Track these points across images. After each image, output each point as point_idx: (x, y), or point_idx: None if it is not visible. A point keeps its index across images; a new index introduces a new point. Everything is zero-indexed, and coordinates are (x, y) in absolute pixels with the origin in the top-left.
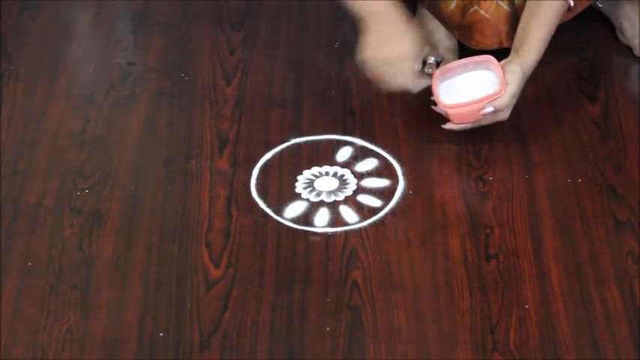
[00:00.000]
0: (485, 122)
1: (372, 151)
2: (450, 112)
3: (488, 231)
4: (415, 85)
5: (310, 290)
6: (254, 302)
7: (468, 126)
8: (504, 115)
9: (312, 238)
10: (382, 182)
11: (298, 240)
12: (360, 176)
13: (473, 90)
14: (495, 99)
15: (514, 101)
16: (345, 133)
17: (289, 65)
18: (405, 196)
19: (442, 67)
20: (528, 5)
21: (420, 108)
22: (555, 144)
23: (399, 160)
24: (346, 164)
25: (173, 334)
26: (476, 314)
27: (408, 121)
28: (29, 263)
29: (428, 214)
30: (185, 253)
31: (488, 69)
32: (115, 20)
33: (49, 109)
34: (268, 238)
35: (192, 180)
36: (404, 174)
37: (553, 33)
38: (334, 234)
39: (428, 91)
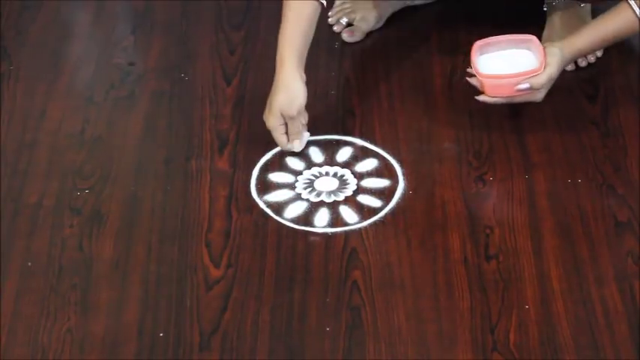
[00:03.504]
0: (518, 99)
1: (372, 151)
2: (486, 82)
3: (488, 231)
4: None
5: (310, 290)
6: (254, 302)
7: (500, 101)
8: (539, 95)
9: (312, 238)
10: (382, 182)
11: (298, 240)
12: (360, 176)
13: (511, 66)
14: (533, 76)
15: (550, 84)
16: (345, 133)
17: None
18: (405, 196)
19: (483, 40)
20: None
21: (420, 108)
22: (555, 144)
23: (399, 160)
24: (346, 164)
25: (173, 334)
26: (476, 314)
27: (408, 121)
28: (29, 263)
29: (428, 214)
30: (185, 253)
31: (529, 49)
32: (115, 20)
33: (49, 109)
34: (268, 238)
35: (192, 180)
36: (404, 174)
37: (610, 38)
38: (334, 234)
39: (428, 91)
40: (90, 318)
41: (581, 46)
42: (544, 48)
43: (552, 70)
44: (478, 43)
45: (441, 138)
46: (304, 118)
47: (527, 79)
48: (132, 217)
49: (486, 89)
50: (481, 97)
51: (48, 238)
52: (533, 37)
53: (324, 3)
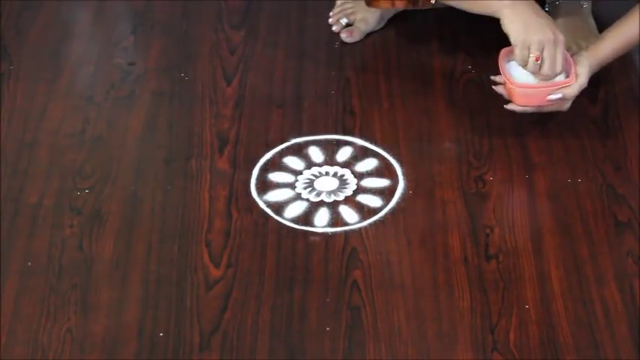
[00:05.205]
0: (546, 109)
1: (372, 151)
2: (519, 91)
3: (488, 231)
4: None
5: (310, 290)
6: (254, 302)
7: (529, 110)
8: (566, 105)
9: (312, 238)
10: (382, 182)
11: (298, 240)
12: (360, 176)
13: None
14: (566, 87)
15: (579, 93)
16: (345, 133)
17: (289, 65)
18: (405, 196)
19: (509, 47)
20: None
21: (420, 108)
22: (555, 144)
23: (399, 160)
24: (346, 164)
25: (173, 334)
26: (476, 314)
27: (408, 121)
28: (29, 263)
29: (428, 214)
30: (185, 253)
31: None
32: (115, 20)
33: (49, 109)
34: (268, 238)
35: (192, 180)
36: (404, 174)
37: (632, 42)
38: (334, 234)
39: (428, 91)
40: (90, 318)
41: (606, 53)
42: (571, 55)
43: (583, 81)
44: (504, 51)
45: (441, 138)
46: None
47: (560, 89)
48: (132, 216)
49: (516, 98)
50: (510, 106)
51: (48, 238)
52: None
53: None
